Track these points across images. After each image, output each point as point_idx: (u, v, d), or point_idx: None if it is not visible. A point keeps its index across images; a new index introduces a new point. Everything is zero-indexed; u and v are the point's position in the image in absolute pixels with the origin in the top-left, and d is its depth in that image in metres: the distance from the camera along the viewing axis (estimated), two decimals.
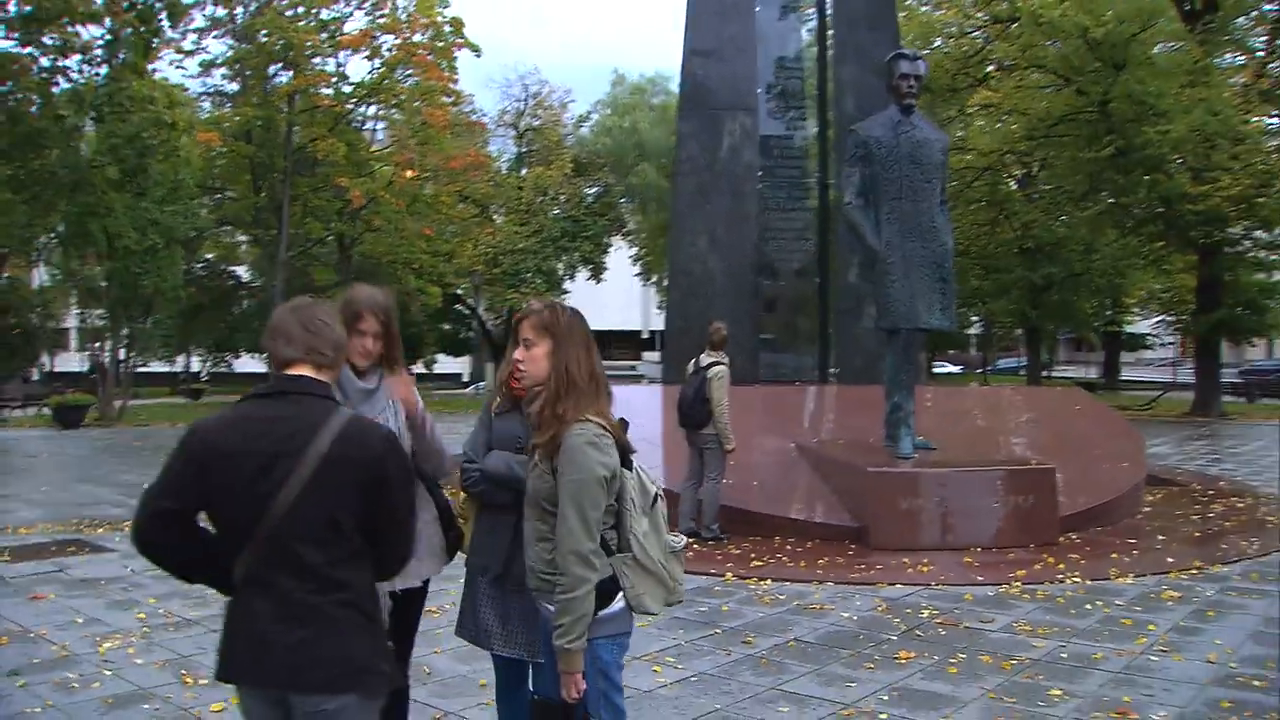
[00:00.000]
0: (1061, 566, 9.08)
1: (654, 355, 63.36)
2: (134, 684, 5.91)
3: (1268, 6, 29.51)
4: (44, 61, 20.90)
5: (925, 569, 9.02)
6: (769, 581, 8.66)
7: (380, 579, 2.96)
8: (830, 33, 17.27)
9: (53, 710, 5.47)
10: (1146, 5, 24.81)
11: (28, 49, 20.52)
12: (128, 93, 21.60)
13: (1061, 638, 6.91)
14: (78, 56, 20.11)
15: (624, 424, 3.43)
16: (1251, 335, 36.06)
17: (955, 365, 79.40)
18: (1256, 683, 5.94)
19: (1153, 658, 6.47)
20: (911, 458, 10.84)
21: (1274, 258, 32.03)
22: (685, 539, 3.61)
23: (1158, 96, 24.41)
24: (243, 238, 44.15)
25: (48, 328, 47.42)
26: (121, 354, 33.31)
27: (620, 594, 3.29)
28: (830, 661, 6.41)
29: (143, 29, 21.89)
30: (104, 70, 20.59)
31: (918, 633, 7.06)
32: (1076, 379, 54.59)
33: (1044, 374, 63.41)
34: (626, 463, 3.30)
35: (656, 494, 3.41)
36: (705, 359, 10.32)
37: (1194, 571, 9.06)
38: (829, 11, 17.28)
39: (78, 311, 55.38)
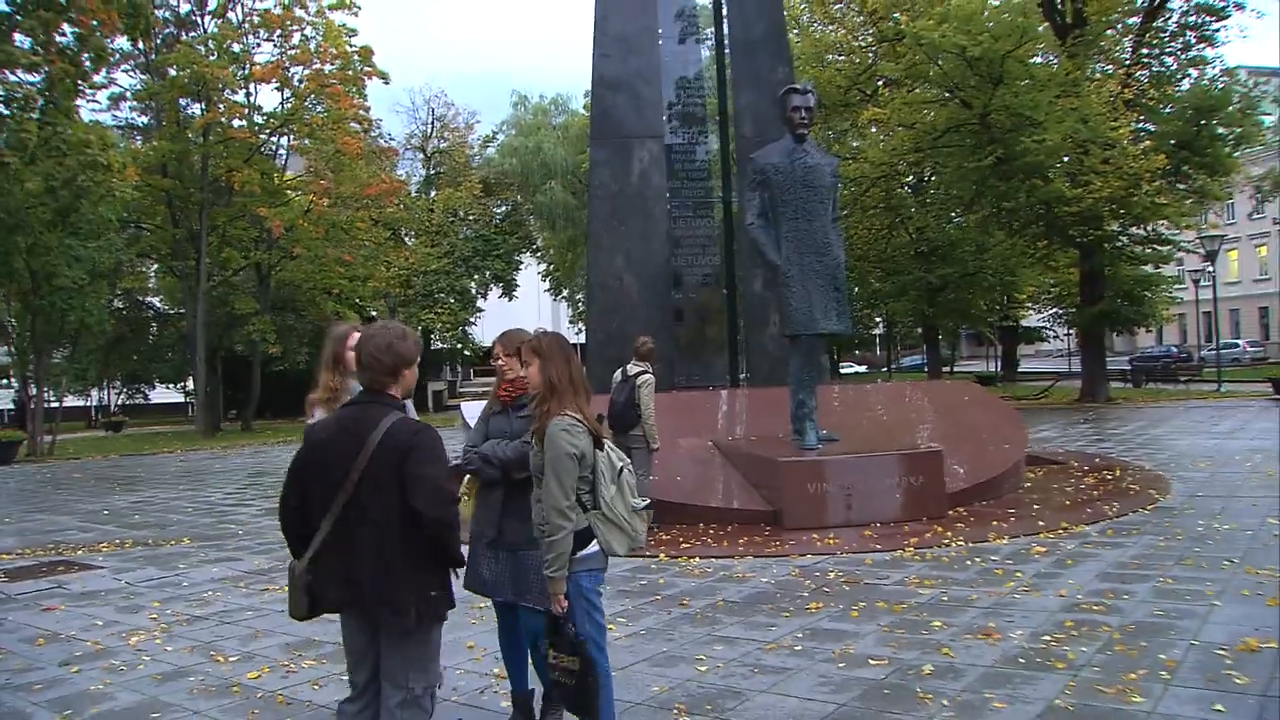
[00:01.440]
0: (948, 534, 10.50)
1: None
2: (172, 664, 7.01)
3: (1130, 20, 31.63)
4: None
5: (832, 542, 10.38)
6: (697, 559, 9.96)
7: (438, 549, 4.10)
8: (728, 59, 18.67)
9: (113, 686, 6.56)
10: (1019, 25, 26.60)
11: None
12: (63, 136, 22.38)
13: (944, 587, 8.29)
14: (15, 105, 20.76)
15: (600, 419, 4.69)
16: (1131, 325, 38.23)
17: (861, 365, 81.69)
18: (1095, 608, 7.37)
19: (1017, 596, 7.87)
20: (816, 448, 12.22)
21: (1148, 252, 34.19)
22: (646, 500, 4.86)
23: (1033, 108, 26.24)
24: (155, 269, 44.37)
25: None
26: (41, 390, 33.61)
27: (594, 540, 4.54)
28: (753, 614, 7.71)
29: (73, 74, 22.64)
30: (36, 115, 21.27)
31: (825, 589, 8.39)
32: (977, 373, 56.88)
33: (947, 370, 65.87)
34: (599, 444, 4.55)
35: (622, 467, 4.65)
36: (633, 369, 11.50)
37: (1060, 532, 10.53)
38: (727, 39, 18.69)
39: None
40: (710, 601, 8.17)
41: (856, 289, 44.42)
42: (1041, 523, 11.00)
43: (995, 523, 11.13)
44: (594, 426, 4.57)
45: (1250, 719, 5.15)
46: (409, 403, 4.45)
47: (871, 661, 6.33)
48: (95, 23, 21.99)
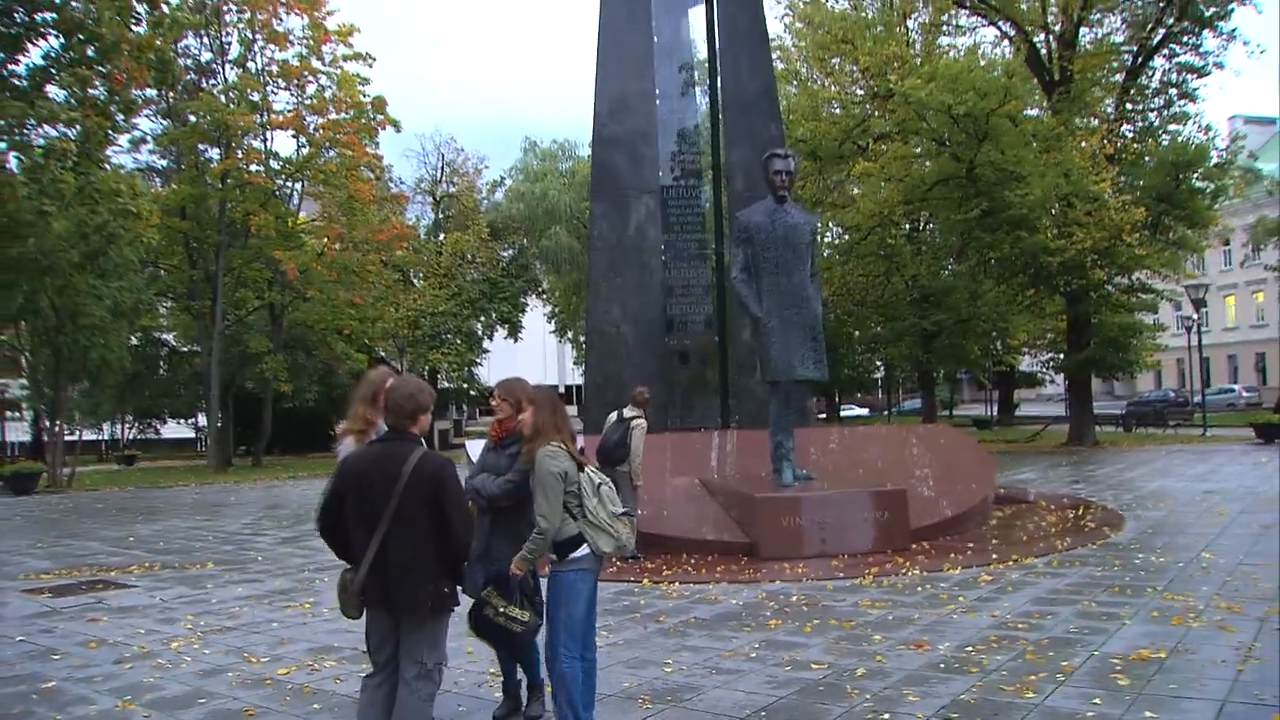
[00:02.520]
0: (907, 564, 11.52)
1: (571, 409, 65.72)
2: (212, 663, 8.07)
3: (1115, 77, 32.88)
4: (13, 158, 22.84)
5: (800, 570, 11.40)
6: (676, 584, 11.00)
7: (456, 554, 5.16)
8: (722, 116, 19.85)
9: (162, 680, 7.62)
10: (1002, 84, 27.83)
11: (10, 150, 22.55)
12: (96, 186, 23.63)
13: (891, 608, 9.32)
14: (54, 158, 22.01)
15: (582, 450, 5.78)
16: (1116, 371, 39.22)
17: (863, 408, 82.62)
18: (1020, 626, 8.40)
19: (954, 616, 8.90)
20: (792, 486, 13.27)
21: (1133, 300, 35.29)
22: (627, 509, 5.93)
23: (1017, 163, 27.42)
24: (168, 306, 45.41)
25: None
26: (59, 423, 34.74)
27: (585, 544, 5.59)
28: (719, 629, 8.75)
29: (105, 126, 23.92)
30: (71, 165, 22.52)
31: (786, 610, 9.42)
32: (973, 416, 57.89)
33: (946, 413, 66.83)
34: (581, 467, 5.62)
35: (600, 483, 5.70)
36: (629, 413, 12.57)
37: (1010, 563, 11.54)
38: (721, 97, 19.88)
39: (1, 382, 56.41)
40: (682, 619, 9.20)
41: (857, 333, 45.61)
42: (995, 555, 12.02)
43: (953, 554, 12.14)
44: (574, 453, 5.66)
45: (1121, 709, 6.16)
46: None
47: (813, 666, 7.37)
48: (128, 78, 23.36)
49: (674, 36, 20.80)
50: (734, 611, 9.48)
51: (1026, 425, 47.68)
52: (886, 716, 6.17)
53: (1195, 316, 38.85)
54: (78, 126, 22.20)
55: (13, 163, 22.79)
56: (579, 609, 5.70)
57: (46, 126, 22.34)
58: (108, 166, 25.99)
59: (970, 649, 7.69)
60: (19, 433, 57.78)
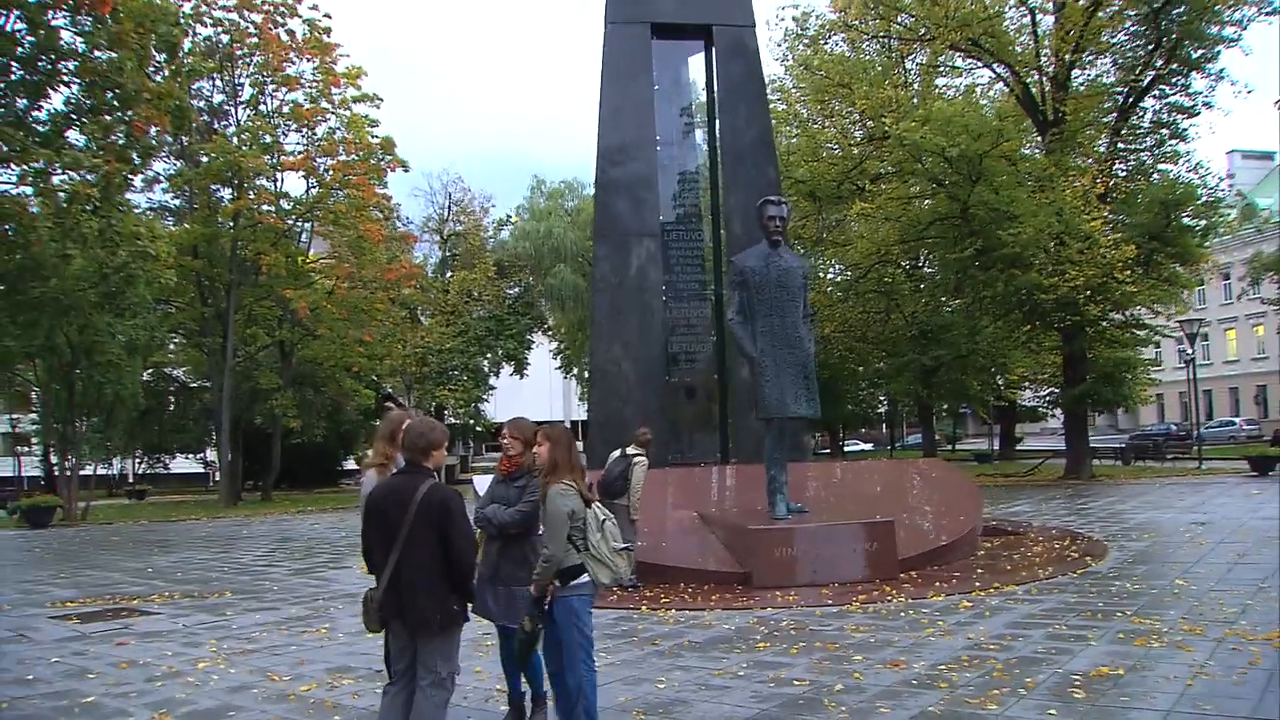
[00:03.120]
0: (894, 592, 12.10)
1: (578, 445, 66.46)
2: (238, 681, 8.68)
3: (1107, 118, 33.63)
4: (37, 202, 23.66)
5: (791, 598, 11.97)
6: (673, 611, 11.58)
7: (460, 572, 5.80)
8: (720, 161, 20.58)
9: (193, 695, 8.23)
10: (994, 127, 28.60)
11: (36, 196, 23.36)
12: (117, 229, 24.42)
13: (874, 632, 9.90)
14: (78, 204, 22.84)
15: (590, 486, 6.42)
16: (1112, 406, 39.80)
17: (867, 443, 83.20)
18: (992, 647, 8.98)
19: (931, 639, 9.48)
20: (785, 518, 13.86)
21: (1127, 336, 35.92)
22: (627, 544, 6.56)
23: (1010, 203, 28.13)
24: (177, 342, 46.05)
25: None
26: (71, 458, 35.44)
27: (585, 573, 6.22)
28: (711, 650, 9.34)
29: (124, 170, 24.72)
30: (91, 208, 23.33)
31: (775, 634, 10.00)
32: (975, 450, 58.42)
33: (950, 448, 67.38)
34: (588, 504, 6.25)
35: (605, 519, 6.35)
36: (631, 450, 13.18)
37: (992, 591, 12.12)
38: (719, 144, 20.62)
39: (9, 417, 57.18)
40: (677, 642, 9.80)
41: (861, 369, 46.23)
42: (978, 583, 12.59)
43: (938, 583, 12.71)
44: (583, 491, 6.33)
45: (1073, 719, 6.74)
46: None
47: (795, 683, 7.96)
48: (148, 126, 24.19)
49: (674, 84, 21.59)
50: (726, 635, 10.06)
51: (1027, 459, 48.16)
52: None
53: (1190, 351, 39.38)
54: (101, 170, 22.96)
55: (34, 206, 23.56)
56: (588, 628, 6.35)
57: (70, 173, 23.13)
58: (125, 209, 26.73)
59: (943, 667, 8.27)
60: (31, 467, 58.52)
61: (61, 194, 23.03)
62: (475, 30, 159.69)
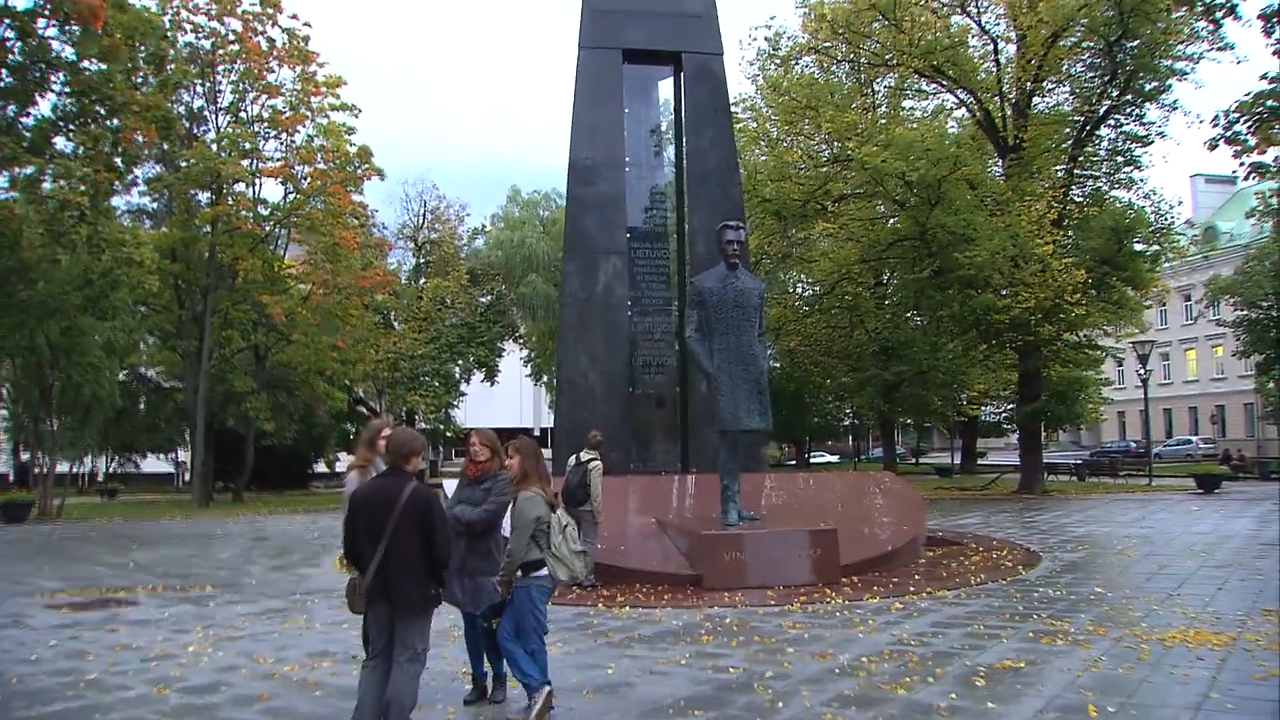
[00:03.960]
0: (833, 594, 13.01)
1: (547, 451, 67.32)
2: (226, 663, 9.52)
3: (1065, 145, 34.80)
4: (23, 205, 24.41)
5: (739, 599, 12.87)
6: (627, 609, 12.45)
7: (438, 567, 6.67)
8: (686, 184, 21.52)
9: (186, 673, 9.06)
10: (952, 154, 29.70)
11: (28, 203, 24.11)
12: (103, 235, 25.15)
13: (810, 629, 10.81)
14: (68, 213, 23.61)
15: (556, 495, 7.36)
16: (1064, 423, 41.00)
17: (834, 455, 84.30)
18: (913, 643, 9.92)
19: (860, 635, 10.40)
20: (736, 525, 14.77)
21: (1080, 356, 37.10)
22: (583, 548, 7.50)
23: (966, 226, 29.22)
24: (148, 343, 46.47)
25: None
26: (44, 456, 36.00)
27: (545, 567, 7.14)
28: (658, 643, 10.22)
29: (111, 179, 25.50)
30: (80, 214, 24.07)
31: (719, 629, 10.89)
32: (936, 465, 59.61)
33: (914, 461, 68.54)
34: (553, 509, 7.18)
35: (567, 524, 7.34)
36: (585, 455, 14.08)
37: (925, 595, 13.07)
38: (685, 169, 21.57)
39: None
40: (628, 635, 10.68)
41: (829, 381, 47.22)
42: (913, 588, 13.55)
43: (876, 587, 13.65)
44: (549, 498, 7.31)
45: (970, 701, 7.67)
46: None
47: (731, 669, 8.87)
48: (140, 138, 24.98)
49: (644, 108, 22.55)
50: (673, 630, 10.95)
51: (989, 474, 49.31)
52: (781, 704, 7.68)
53: (1142, 371, 40.63)
54: (88, 181, 23.71)
55: (20, 209, 24.28)
56: (543, 614, 7.31)
57: (61, 180, 23.89)
58: (111, 216, 27.47)
59: (865, 659, 9.20)
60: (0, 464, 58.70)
61: (51, 201, 23.77)
62: (459, 42, 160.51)
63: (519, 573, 7.27)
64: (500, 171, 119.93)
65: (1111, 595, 12.69)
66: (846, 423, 67.36)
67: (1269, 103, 20.25)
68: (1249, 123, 21.06)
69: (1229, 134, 21.80)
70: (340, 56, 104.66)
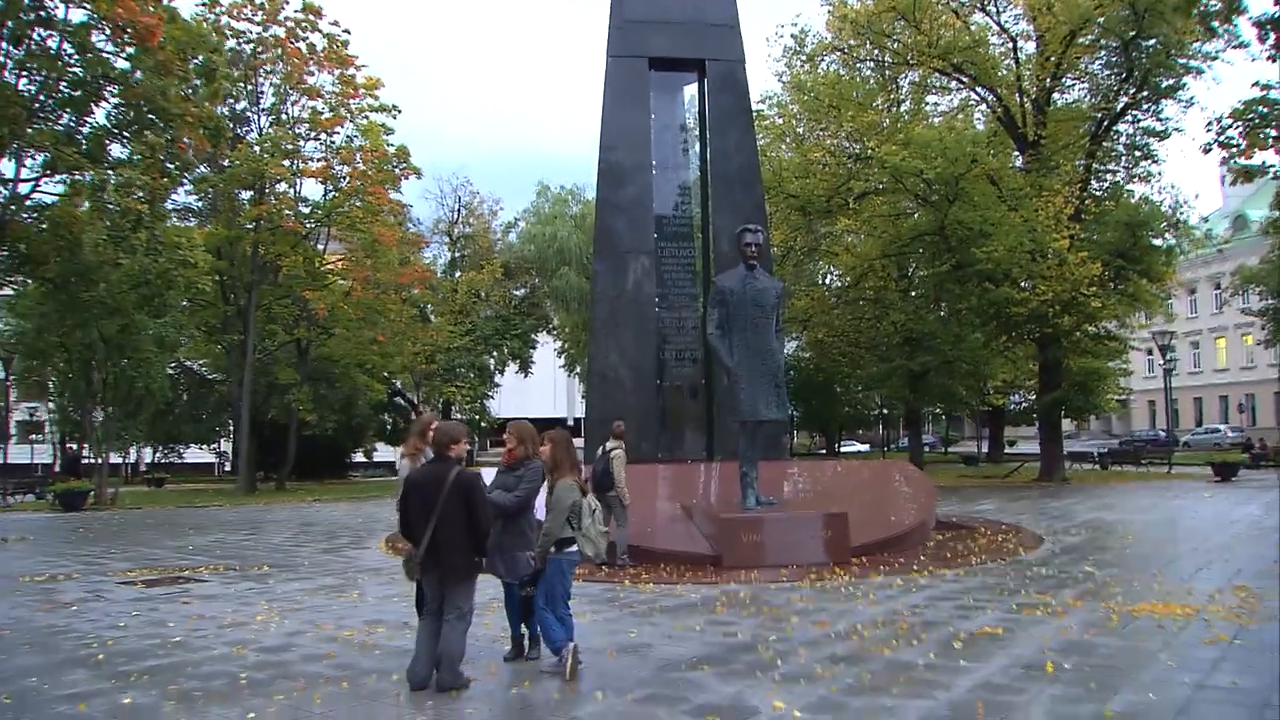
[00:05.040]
0: (843, 573, 14.10)
1: (579, 440, 68.73)
2: (292, 629, 10.73)
3: (1083, 141, 35.60)
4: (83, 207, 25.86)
5: (754, 577, 13.97)
6: (651, 585, 13.60)
7: (479, 539, 7.86)
8: (710, 187, 22.61)
9: (259, 636, 10.28)
10: (968, 152, 30.63)
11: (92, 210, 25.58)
12: (160, 239, 26.59)
13: (815, 602, 11.91)
14: (128, 220, 25.06)
15: (586, 480, 8.55)
16: (1082, 413, 41.81)
17: (864, 444, 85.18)
18: (906, 613, 11.00)
19: (860, 607, 11.49)
20: (754, 509, 15.87)
21: (1100, 347, 37.93)
22: (606, 529, 8.69)
23: (983, 222, 30.16)
24: (191, 335, 48.00)
25: None
26: (102, 447, 37.59)
27: (575, 545, 8.31)
28: (677, 613, 11.35)
29: (167, 186, 26.92)
30: (138, 220, 25.51)
31: (733, 603, 12.01)
32: (963, 454, 60.46)
33: (943, 450, 69.32)
34: (584, 494, 8.35)
35: (595, 508, 8.55)
36: (609, 445, 15.25)
37: (927, 574, 14.12)
38: (709, 171, 22.65)
39: (28, 406, 59.21)
40: (650, 607, 11.82)
41: (857, 371, 48.16)
42: (915, 567, 14.61)
43: (883, 567, 14.71)
44: (582, 485, 8.54)
45: (946, 659, 8.74)
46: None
47: (740, 635, 10.00)
48: (189, 143, 26.34)
49: (670, 111, 23.61)
50: (692, 603, 12.08)
51: (1015, 462, 50.11)
52: (779, 661, 8.79)
53: (1162, 361, 41.43)
54: (146, 188, 25.12)
55: (82, 215, 25.71)
56: (569, 583, 8.50)
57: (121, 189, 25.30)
58: (167, 221, 28.87)
59: (860, 626, 10.29)
60: (46, 455, 60.54)
61: (113, 208, 25.19)
62: (481, 26, 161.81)
63: (553, 548, 8.43)
64: (528, 153, 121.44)
65: (1099, 574, 13.69)
66: (876, 412, 68.30)
67: (1259, 109, 21.09)
68: (1240, 128, 21.91)
69: (1221, 139, 22.65)
70: (365, 41, 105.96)
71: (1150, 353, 49.52)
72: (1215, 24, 23.03)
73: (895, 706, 7.31)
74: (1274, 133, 21.21)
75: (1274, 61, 20.23)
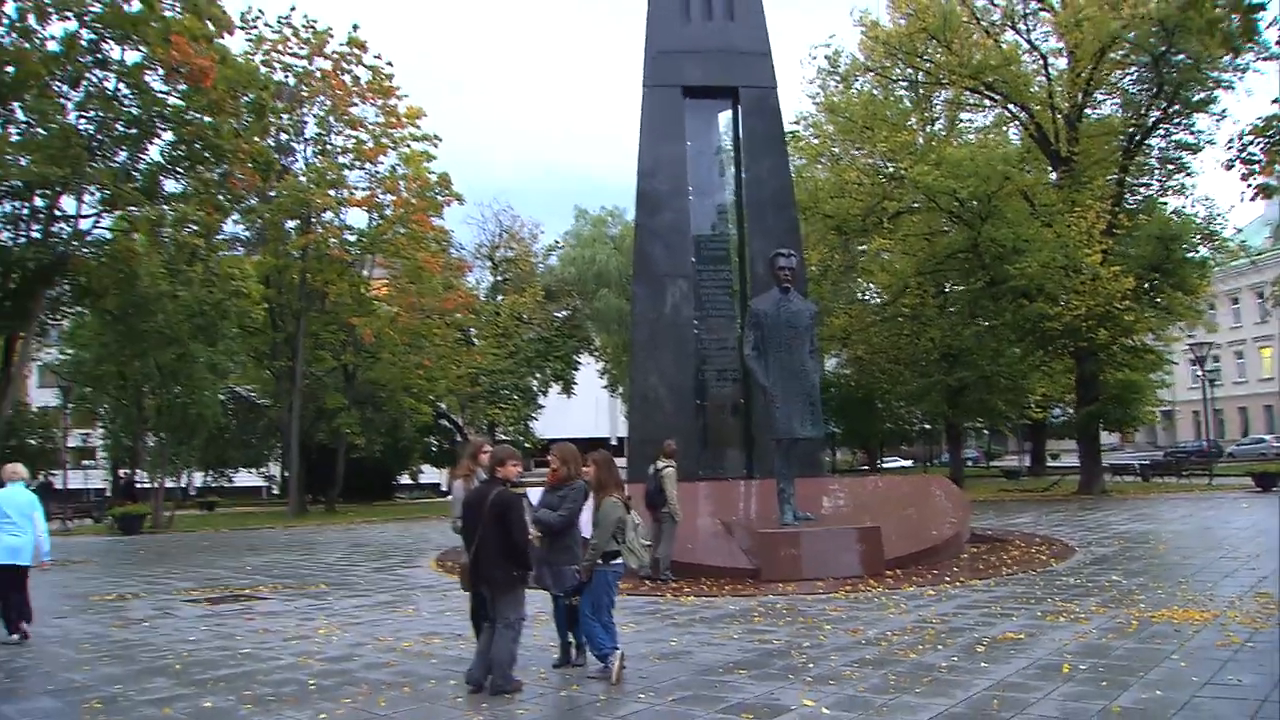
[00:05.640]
0: (877, 585, 14.63)
1: (621, 460, 69.40)
2: (353, 641, 11.41)
3: (1116, 155, 35.94)
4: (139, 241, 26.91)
5: (791, 588, 14.53)
6: (692, 597, 14.20)
7: (516, 553, 8.51)
8: (745, 212, 23.25)
9: (323, 647, 10.96)
10: (999, 171, 31.11)
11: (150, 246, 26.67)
12: (215, 271, 27.64)
13: (848, 612, 12.46)
14: (184, 254, 26.15)
15: (629, 497, 9.19)
16: (1120, 426, 41.96)
17: (908, 460, 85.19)
18: (935, 620, 11.53)
19: (890, 615, 12.03)
20: (791, 524, 16.44)
21: (1136, 360, 38.17)
22: (649, 542, 9.35)
23: (1015, 239, 30.61)
24: (238, 360, 49.13)
25: (46, 448, 52.82)
26: (157, 471, 38.68)
27: (621, 557, 8.95)
28: (716, 623, 11.94)
29: (220, 219, 27.98)
30: (194, 254, 26.61)
31: (770, 613, 12.57)
32: (1004, 468, 60.56)
33: (986, 464, 69.36)
34: (628, 509, 9.00)
35: (638, 524, 9.22)
36: (661, 464, 15.86)
37: (959, 584, 14.62)
38: (744, 197, 23.30)
39: (80, 433, 60.52)
40: (691, 617, 12.42)
41: (899, 387, 48.51)
42: (948, 578, 15.11)
43: (916, 579, 15.21)
44: (625, 503, 9.19)
45: (967, 661, 9.27)
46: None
47: (775, 642, 10.57)
48: (242, 179, 27.38)
49: (705, 138, 24.33)
50: (730, 613, 12.66)
51: (1053, 476, 50.21)
52: (811, 665, 9.36)
53: (1200, 372, 41.56)
54: (200, 223, 26.16)
55: (140, 247, 26.75)
56: (614, 592, 9.16)
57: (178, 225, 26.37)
58: (222, 254, 29.96)
59: (889, 633, 10.83)
60: (98, 480, 61.84)
61: (170, 242, 26.24)
62: (535, 53, 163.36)
63: (599, 560, 9.07)
64: (568, 171, 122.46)
65: (1125, 583, 14.14)
66: (918, 428, 68.46)
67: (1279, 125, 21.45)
68: (1263, 145, 22.27)
69: (1243, 154, 23.02)
70: (399, 58, 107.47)
71: (1194, 364, 49.77)
72: (1238, 43, 23.26)
73: (916, 704, 7.86)
74: None
75: None
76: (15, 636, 12.08)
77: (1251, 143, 22.58)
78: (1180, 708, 7.56)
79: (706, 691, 8.48)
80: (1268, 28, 20.17)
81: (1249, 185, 24.17)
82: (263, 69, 37.17)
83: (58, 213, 27.02)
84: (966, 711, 7.65)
